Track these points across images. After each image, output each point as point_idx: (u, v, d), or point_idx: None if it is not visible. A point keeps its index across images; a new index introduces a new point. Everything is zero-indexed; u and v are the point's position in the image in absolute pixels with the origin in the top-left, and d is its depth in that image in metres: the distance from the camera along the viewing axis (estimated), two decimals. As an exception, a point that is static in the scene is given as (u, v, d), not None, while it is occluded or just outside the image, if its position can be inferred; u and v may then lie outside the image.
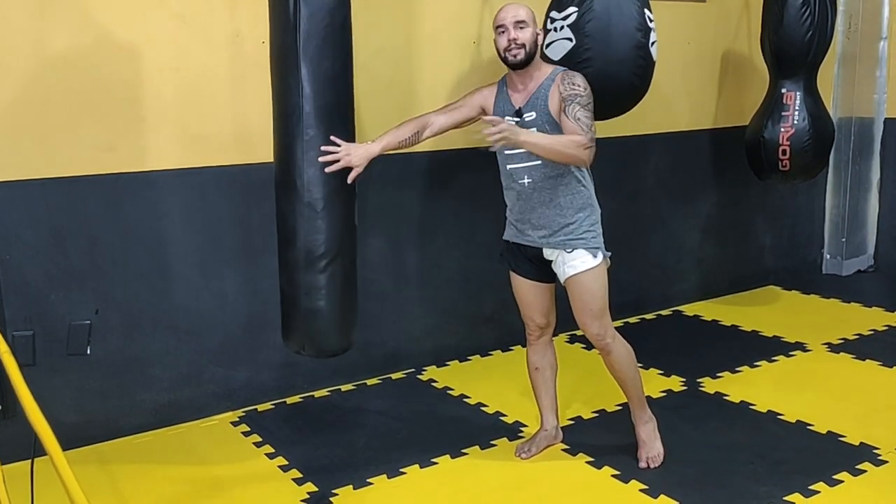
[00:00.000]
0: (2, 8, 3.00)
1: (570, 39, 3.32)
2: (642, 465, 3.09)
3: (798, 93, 4.44)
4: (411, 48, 3.89)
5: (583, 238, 2.92)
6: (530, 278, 3.09)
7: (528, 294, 3.12)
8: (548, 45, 3.36)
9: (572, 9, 3.35)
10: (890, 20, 5.44)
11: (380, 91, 3.78)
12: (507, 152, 2.93)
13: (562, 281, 2.99)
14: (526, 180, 2.92)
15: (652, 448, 3.12)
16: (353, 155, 2.77)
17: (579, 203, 2.92)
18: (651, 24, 3.41)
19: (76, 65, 3.15)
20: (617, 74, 3.30)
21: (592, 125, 2.85)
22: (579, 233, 2.92)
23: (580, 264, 2.91)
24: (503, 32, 2.86)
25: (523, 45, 2.84)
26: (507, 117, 2.93)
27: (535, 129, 2.87)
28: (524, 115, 2.90)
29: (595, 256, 2.93)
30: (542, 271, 3.05)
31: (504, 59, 2.89)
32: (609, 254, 2.99)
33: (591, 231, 2.94)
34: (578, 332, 4.30)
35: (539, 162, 2.87)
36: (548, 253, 2.99)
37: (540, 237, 2.97)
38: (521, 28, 2.84)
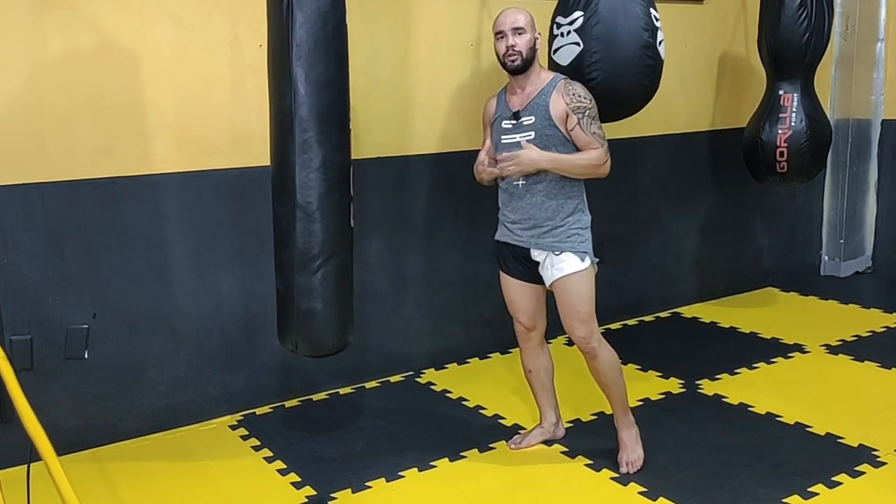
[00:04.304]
0: (-1, 11, 3.01)
1: (578, 44, 3.31)
2: (623, 469, 3.07)
3: (795, 94, 4.44)
4: (409, 51, 3.89)
5: (570, 241, 2.95)
6: (518, 278, 3.12)
7: (516, 293, 3.15)
8: (555, 51, 3.34)
9: (578, 13, 3.34)
10: (887, 22, 5.44)
11: (377, 94, 3.78)
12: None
13: (548, 284, 3.02)
14: (521, 182, 2.96)
15: (633, 452, 3.12)
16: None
17: (570, 207, 2.97)
18: (657, 24, 3.41)
19: (74, 68, 3.14)
20: (626, 76, 3.30)
21: (604, 135, 2.95)
22: (567, 235, 2.95)
23: (567, 267, 2.94)
24: (502, 38, 2.92)
25: (520, 52, 2.90)
26: (504, 120, 2.99)
27: (532, 133, 2.92)
28: (522, 119, 2.94)
29: (583, 260, 2.96)
30: (531, 272, 3.07)
31: (503, 65, 2.96)
32: (598, 260, 3.02)
33: (579, 235, 2.97)
34: (577, 335, 4.31)
35: None
36: (535, 254, 3.01)
37: (529, 237, 3.00)
38: (520, 34, 2.90)
